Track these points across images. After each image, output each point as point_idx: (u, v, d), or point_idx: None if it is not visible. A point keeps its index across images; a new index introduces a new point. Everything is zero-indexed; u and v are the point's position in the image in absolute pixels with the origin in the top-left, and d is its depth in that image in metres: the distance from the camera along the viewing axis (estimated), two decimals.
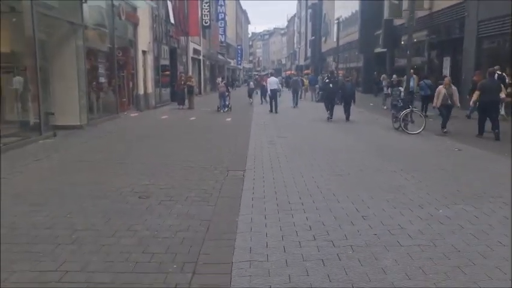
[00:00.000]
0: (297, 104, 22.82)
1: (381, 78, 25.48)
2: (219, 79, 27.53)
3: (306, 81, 30.38)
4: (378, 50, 32.91)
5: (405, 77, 15.78)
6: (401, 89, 13.61)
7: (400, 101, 12.53)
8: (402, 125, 11.95)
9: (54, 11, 10.67)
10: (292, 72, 71.50)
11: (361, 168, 7.45)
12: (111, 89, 15.06)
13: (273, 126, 14.04)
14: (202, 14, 33.93)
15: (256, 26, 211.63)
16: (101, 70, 13.94)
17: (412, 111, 11.99)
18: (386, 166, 7.61)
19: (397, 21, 27.52)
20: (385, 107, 19.71)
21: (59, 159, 7.93)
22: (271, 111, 19.07)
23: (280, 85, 21.52)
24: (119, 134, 11.46)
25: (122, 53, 16.34)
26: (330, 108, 15.76)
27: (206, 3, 34.81)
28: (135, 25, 17.39)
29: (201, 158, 8.17)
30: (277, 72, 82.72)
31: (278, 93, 19.53)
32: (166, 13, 22.65)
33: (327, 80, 17.61)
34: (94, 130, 11.84)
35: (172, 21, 23.45)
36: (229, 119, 16.11)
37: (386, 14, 25.92)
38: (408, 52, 12.69)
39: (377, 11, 32.45)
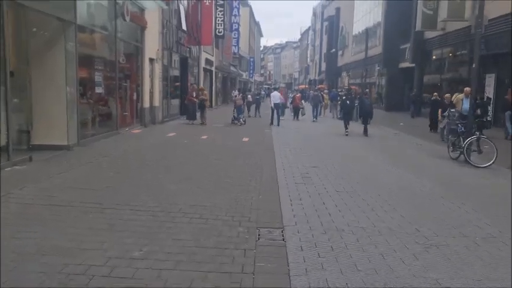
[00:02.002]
0: (316, 117, 23.70)
1: (443, 97, 16.26)
2: (236, 92, 25.73)
3: (326, 97, 28.11)
4: (404, 64, 30.66)
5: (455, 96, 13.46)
6: (458, 110, 11.25)
7: (460, 125, 10.20)
8: (466, 155, 9.61)
9: (38, 2, 8.53)
10: (306, 86, 69.47)
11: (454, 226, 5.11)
12: (111, 101, 12.88)
13: (300, 148, 11.74)
14: (216, 23, 31.96)
15: (268, 39, 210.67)
16: (99, 79, 11.75)
17: (479, 138, 9.63)
18: (475, 219, 5.26)
19: (428, 34, 25.29)
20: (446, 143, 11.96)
21: (16, 199, 5.65)
22: (271, 123, 19.67)
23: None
24: (113, 158, 9.18)
25: (125, 60, 14.22)
26: (347, 124, 16.16)
27: (220, 11, 32.86)
28: (142, 29, 15.28)
29: (217, 202, 5.89)
30: (287, 87, 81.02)
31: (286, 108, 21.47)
32: (178, 18, 20.59)
33: (344, 97, 19.00)
34: (84, 152, 9.60)
35: (184, 27, 21.38)
36: (246, 139, 13.85)
37: (418, 26, 23.65)
38: (474, 65, 10.30)
39: (403, 22, 30.34)
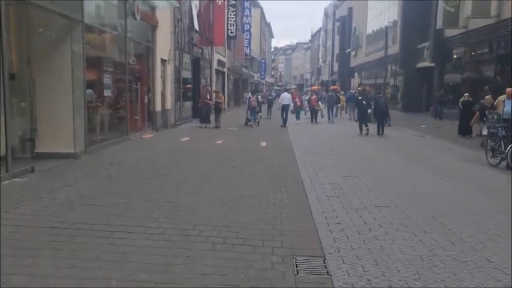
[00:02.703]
0: (331, 119, 23.07)
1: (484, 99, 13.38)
2: (249, 94, 25.31)
3: (343, 98, 27.17)
4: (422, 64, 29.62)
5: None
6: (498, 112, 10.33)
7: (501, 129, 9.29)
8: (510, 162, 8.71)
9: None
10: (318, 87, 68.47)
11: None
12: (121, 104, 12.18)
13: (322, 153, 10.90)
14: (228, 23, 31.24)
15: (278, 41, 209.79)
16: (107, 81, 11.04)
17: None
18: None
19: (448, 32, 24.27)
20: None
21: (10, 220, 4.89)
22: (282, 125, 19.50)
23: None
24: (123, 168, 8.43)
25: (136, 61, 13.51)
26: (362, 124, 16.34)
27: (233, 11, 32.16)
28: (153, 28, 14.57)
29: (242, 221, 5.11)
30: (298, 88, 79.95)
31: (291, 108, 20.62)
32: (190, 18, 19.88)
33: (360, 97, 18.91)
34: (92, 161, 8.88)
35: (196, 27, 20.67)
36: (264, 143, 13.06)
37: (439, 24, 22.65)
38: None
39: (421, 21, 29.35)
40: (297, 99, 22.57)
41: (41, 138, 8.70)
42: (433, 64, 26.55)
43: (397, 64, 33.59)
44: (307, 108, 23.28)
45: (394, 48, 34.94)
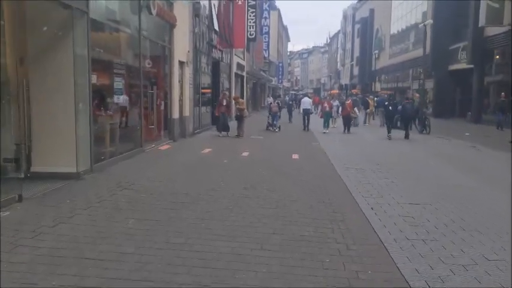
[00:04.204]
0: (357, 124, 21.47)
1: None
2: (270, 99, 24.08)
3: (372, 103, 25.34)
4: (455, 66, 27.64)
5: None
6: None
7: None
8: None
9: None
10: (337, 91, 66.50)
11: None
12: (134, 112, 10.64)
13: (370, 169, 9.11)
14: (247, 25, 29.66)
15: (294, 45, 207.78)
16: (119, 86, 9.49)
17: None
18: None
19: (489, 31, 22.32)
20: None
21: None
22: (304, 129, 19.71)
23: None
24: (135, 192, 6.79)
25: (151, 63, 12.00)
26: (389, 129, 16.72)
27: (252, 12, 30.57)
28: (171, 27, 13.03)
29: (299, 281, 3.44)
30: (315, 92, 78.15)
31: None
32: (210, 17, 18.33)
33: (386, 103, 19.12)
34: (97, 182, 7.30)
35: (216, 27, 19.11)
36: (296, 156, 11.39)
37: (481, 21, 20.73)
38: None
39: (454, 20, 27.46)
40: (325, 104, 20.22)
41: (36, 154, 7.19)
42: (470, 66, 24.57)
43: (427, 66, 31.58)
44: (338, 115, 20.63)
45: (421, 51, 32.97)
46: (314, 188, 7.40)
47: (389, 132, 16.49)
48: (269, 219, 5.42)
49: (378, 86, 48.66)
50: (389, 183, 8.03)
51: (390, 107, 17.79)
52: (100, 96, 8.83)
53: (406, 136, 16.31)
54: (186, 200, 6.30)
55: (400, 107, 17.21)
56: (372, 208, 6.15)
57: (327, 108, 19.59)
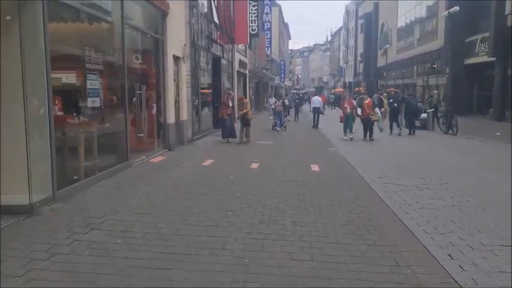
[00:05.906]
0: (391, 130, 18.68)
1: None
2: (273, 98, 22.39)
3: (385, 101, 23.25)
4: (473, 60, 25.62)
5: None
6: None
7: None
8: None
9: None
10: (341, 89, 64.49)
11: None
12: (117, 118, 8.63)
13: (415, 185, 7.07)
14: (249, 20, 27.64)
15: (295, 43, 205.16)
16: (94, 86, 7.46)
17: None
18: None
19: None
20: None
21: None
22: (314, 126, 20.91)
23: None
24: (107, 235, 4.78)
25: (140, 57, 10.00)
26: (392, 125, 17.40)
27: (254, 6, 28.55)
28: (163, 14, 11.02)
29: None
30: (318, 91, 76.41)
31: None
32: (209, 7, 16.32)
33: (391, 100, 19.33)
34: (57, 218, 5.28)
35: (216, 20, 17.09)
36: (316, 167, 9.40)
37: (508, 9, 18.70)
38: None
39: (470, 11, 25.43)
40: (346, 105, 15.80)
41: None
42: (491, 59, 22.52)
43: (445, 60, 29.49)
44: (356, 116, 15.87)
45: (436, 43, 30.99)
46: (353, 219, 5.42)
47: (391, 130, 17.29)
48: (303, 269, 3.42)
49: (384, 83, 46.62)
50: (450, 208, 6.03)
51: (395, 104, 18.08)
52: (69, 100, 6.85)
53: (410, 132, 17.11)
54: (178, 249, 4.29)
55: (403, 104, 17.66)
56: (450, 256, 4.16)
57: (348, 109, 15.51)
